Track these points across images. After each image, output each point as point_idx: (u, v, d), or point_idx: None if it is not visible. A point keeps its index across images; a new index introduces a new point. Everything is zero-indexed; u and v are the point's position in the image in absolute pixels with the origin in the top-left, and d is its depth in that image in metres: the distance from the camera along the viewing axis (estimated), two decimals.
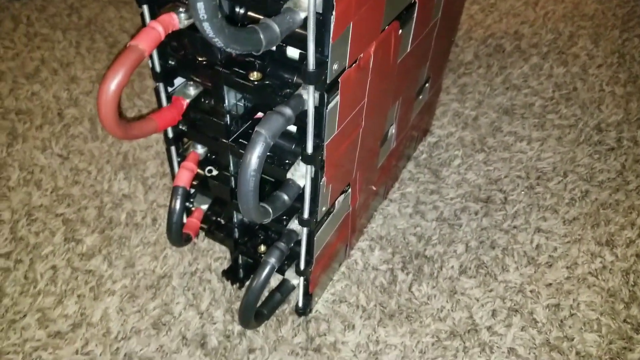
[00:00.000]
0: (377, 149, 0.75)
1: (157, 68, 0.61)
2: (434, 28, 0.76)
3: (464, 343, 0.73)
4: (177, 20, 0.54)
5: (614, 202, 0.92)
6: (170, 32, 0.53)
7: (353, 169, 0.67)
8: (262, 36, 0.42)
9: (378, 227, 0.86)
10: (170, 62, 0.62)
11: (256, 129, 0.47)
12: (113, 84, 0.49)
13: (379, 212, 0.89)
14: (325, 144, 0.55)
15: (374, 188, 0.81)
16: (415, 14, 0.64)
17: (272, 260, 0.61)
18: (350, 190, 0.70)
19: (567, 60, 1.22)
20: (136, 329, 0.72)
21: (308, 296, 0.72)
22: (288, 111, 0.49)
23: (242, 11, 0.53)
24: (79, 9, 1.29)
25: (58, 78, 1.10)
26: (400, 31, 0.61)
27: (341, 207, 0.69)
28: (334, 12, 0.44)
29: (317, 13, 0.44)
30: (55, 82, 1.09)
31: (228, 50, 0.40)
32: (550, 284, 0.80)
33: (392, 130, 0.79)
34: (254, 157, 0.47)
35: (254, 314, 0.64)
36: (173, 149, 0.70)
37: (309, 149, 0.53)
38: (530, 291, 0.79)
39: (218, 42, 0.39)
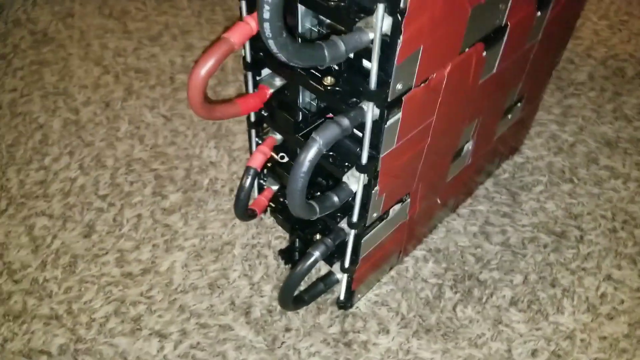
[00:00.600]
0: (447, 164, 0.75)
1: (248, 58, 0.66)
2: (531, 50, 0.73)
3: None
4: None
5: None
6: None
7: (414, 180, 0.68)
8: (326, 53, 0.45)
9: (439, 239, 0.86)
10: (260, 53, 0.67)
11: (312, 134, 0.50)
12: (203, 70, 0.55)
13: (444, 225, 0.88)
14: (381, 156, 0.56)
15: (439, 201, 0.81)
16: (505, 38, 0.63)
17: (316, 254, 0.64)
18: (409, 200, 0.71)
19: None
20: (194, 286, 0.80)
21: (350, 292, 0.75)
22: (346, 122, 0.51)
23: (320, 28, 0.56)
24: None
25: (176, 44, 1.21)
26: (485, 53, 0.61)
27: (396, 215, 0.71)
28: (401, 37, 0.45)
29: (385, 35, 0.46)
30: (173, 47, 1.20)
31: (292, 64, 0.44)
32: (605, 337, 0.76)
33: (469, 146, 0.78)
34: (306, 160, 0.50)
35: (292, 298, 0.68)
36: (253, 131, 0.76)
37: (364, 159, 0.55)
38: (581, 340, 0.75)
39: (282, 57, 0.42)
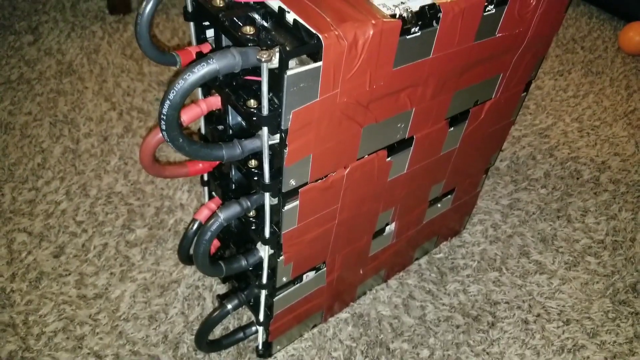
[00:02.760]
0: (366, 241, 0.84)
1: (203, 130, 0.79)
2: (451, 154, 0.82)
3: None
4: (220, 102, 0.70)
5: None
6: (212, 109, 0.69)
7: (326, 253, 0.78)
8: (224, 153, 0.56)
9: (364, 305, 0.95)
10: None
11: (216, 210, 0.61)
12: (155, 138, 0.67)
13: (372, 292, 0.97)
14: (282, 233, 0.67)
15: (362, 272, 0.90)
16: (411, 147, 0.72)
17: (229, 307, 0.75)
18: (325, 268, 0.81)
19: (639, 208, 1.17)
20: (136, 316, 0.90)
21: (268, 343, 0.85)
22: (247, 203, 0.62)
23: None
24: None
25: None
26: (389, 158, 0.71)
27: (312, 281, 0.80)
28: (286, 149, 0.56)
29: (275, 144, 0.57)
30: None
31: (193, 159, 0.55)
32: None
33: (391, 227, 0.87)
34: (208, 231, 0.61)
35: (205, 341, 0.78)
36: (205, 189, 0.88)
37: (266, 233, 0.66)
38: None
39: (184, 154, 0.54)
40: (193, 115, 0.67)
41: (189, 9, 0.63)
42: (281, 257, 0.70)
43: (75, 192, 1.09)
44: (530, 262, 1.04)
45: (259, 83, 0.59)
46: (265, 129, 0.55)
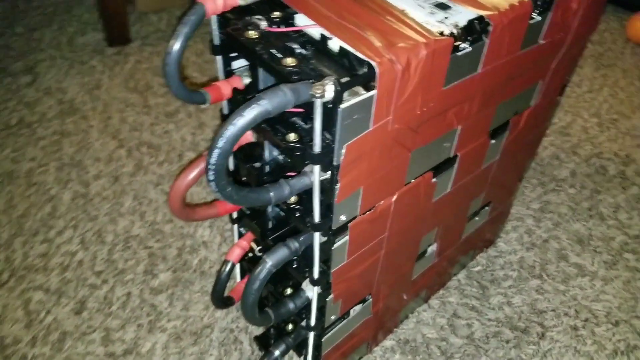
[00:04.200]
0: (409, 266, 0.80)
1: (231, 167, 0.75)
2: (491, 168, 0.79)
3: None
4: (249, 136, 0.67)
5: None
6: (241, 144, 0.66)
7: (373, 284, 0.74)
8: (271, 195, 0.52)
9: (408, 330, 0.91)
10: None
11: (264, 256, 0.57)
12: (184, 182, 0.64)
13: (414, 315, 0.93)
14: (332, 271, 0.63)
15: (405, 297, 0.86)
16: (455, 166, 0.69)
17: (276, 353, 0.70)
18: (371, 299, 0.77)
19: None
20: None
21: None
22: (295, 245, 0.58)
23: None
24: None
25: (190, 121, 1.31)
26: (434, 179, 0.67)
27: (359, 314, 0.76)
28: (338, 185, 0.53)
29: (325, 180, 0.53)
30: (187, 124, 1.30)
31: (241, 206, 0.51)
32: None
33: (433, 248, 0.83)
34: (257, 280, 0.57)
35: None
36: (235, 227, 0.83)
37: (315, 274, 0.62)
38: None
39: (230, 202, 0.50)
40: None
41: (216, 42, 0.59)
42: (330, 296, 0.66)
43: (91, 240, 1.04)
44: (570, 266, 1.01)
45: (297, 113, 0.55)
46: (317, 168, 0.51)
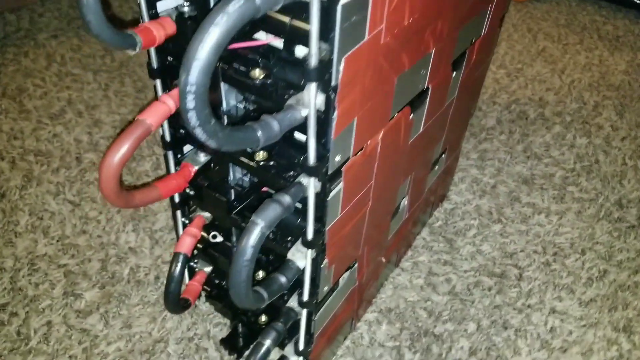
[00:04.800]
0: (387, 223, 0.73)
1: (167, 137, 0.61)
2: (450, 106, 0.74)
3: None
4: None
5: (633, 285, 0.87)
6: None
7: (360, 245, 0.65)
8: (259, 135, 0.41)
9: (387, 298, 0.83)
10: (181, 130, 0.61)
11: (252, 217, 0.45)
12: (116, 157, 0.49)
13: (390, 282, 0.86)
14: (327, 228, 0.53)
15: (384, 260, 0.78)
16: (427, 99, 0.63)
17: (268, 342, 0.58)
18: (356, 265, 0.67)
19: (590, 131, 1.19)
20: None
21: None
22: (287, 199, 0.47)
23: (246, 104, 0.53)
24: (113, 51, 1.32)
25: (82, 120, 1.11)
26: (412, 116, 0.60)
27: (346, 283, 0.67)
28: (335, 113, 0.43)
29: (318, 111, 0.43)
30: (79, 124, 1.11)
31: (224, 150, 0.39)
32: None
33: (404, 202, 0.76)
34: (248, 247, 0.45)
35: None
36: (179, 213, 0.69)
37: (310, 234, 0.51)
38: None
39: (212, 145, 0.38)
40: (161, 115, 0.51)
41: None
42: (325, 261, 0.56)
43: None
44: (524, 206, 1.00)
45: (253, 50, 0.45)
46: (313, 86, 0.40)
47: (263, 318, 0.71)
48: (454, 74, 0.69)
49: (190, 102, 0.35)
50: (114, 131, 1.09)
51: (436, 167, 0.84)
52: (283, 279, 0.54)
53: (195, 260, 0.74)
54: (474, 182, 1.05)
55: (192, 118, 0.36)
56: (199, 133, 0.36)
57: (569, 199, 1.02)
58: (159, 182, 0.61)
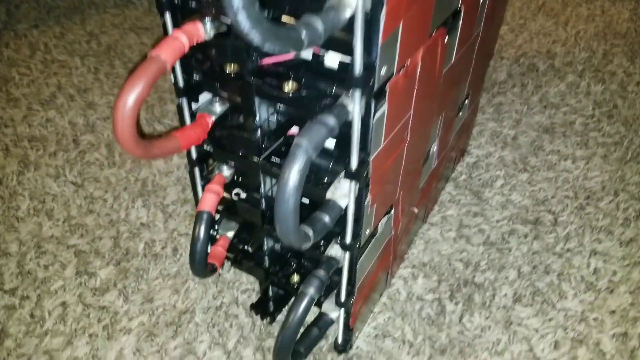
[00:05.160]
0: (419, 168, 0.68)
1: (180, 82, 0.56)
2: (476, 41, 0.70)
3: None
4: (203, 30, 0.49)
5: None
6: (194, 43, 0.48)
7: (397, 188, 0.61)
8: (303, 35, 0.36)
9: (420, 252, 0.79)
10: (194, 76, 0.56)
11: (295, 140, 0.40)
12: (131, 97, 0.44)
13: (420, 237, 0.81)
14: (371, 158, 0.48)
15: (416, 210, 0.74)
16: (460, 22, 0.59)
17: (311, 291, 0.53)
18: (393, 212, 0.63)
19: (604, 78, 1.16)
20: None
21: (349, 331, 0.64)
22: (331, 120, 0.42)
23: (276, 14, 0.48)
24: (98, 35, 1.26)
25: (74, 104, 1.06)
26: (447, 39, 0.56)
27: (384, 231, 0.62)
28: (384, 9, 0.38)
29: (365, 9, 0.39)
30: (72, 108, 1.05)
31: (265, 49, 0.34)
32: (614, 311, 0.72)
33: (434, 148, 0.72)
34: (294, 173, 0.40)
35: (291, 354, 0.56)
36: (197, 170, 0.64)
37: (354, 164, 0.47)
38: (594, 319, 0.70)
39: (254, 38, 0.33)
40: (176, 51, 0.46)
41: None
42: (368, 199, 0.51)
43: None
44: (548, 154, 0.97)
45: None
46: None
47: (295, 278, 0.66)
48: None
49: None
50: (110, 111, 1.04)
51: (460, 114, 0.80)
52: (326, 218, 0.49)
53: (216, 227, 0.69)
54: (493, 134, 1.01)
55: (239, 8, 0.31)
56: (242, 19, 0.32)
57: (592, 144, 0.99)
58: (177, 132, 0.56)
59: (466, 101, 0.81)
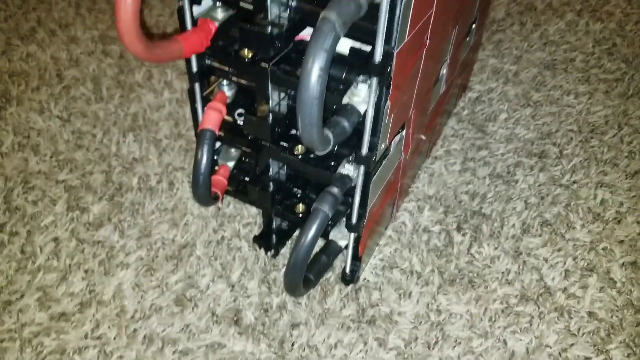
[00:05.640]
0: (431, 88, 0.65)
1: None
2: None
3: (538, 308, 0.63)
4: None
5: None
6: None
7: (411, 103, 0.58)
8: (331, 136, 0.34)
9: (425, 186, 0.77)
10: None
11: (323, 14, 0.37)
12: None
13: (424, 171, 0.79)
14: (396, 52, 0.45)
15: (424, 137, 0.71)
16: None
17: (325, 207, 0.50)
18: (404, 131, 0.60)
19: (602, 17, 1.14)
20: (156, 307, 0.61)
21: (357, 260, 0.62)
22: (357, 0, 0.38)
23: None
24: None
25: (56, 39, 0.99)
26: None
27: (395, 152, 0.59)
28: None
29: None
30: (53, 43, 0.98)
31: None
32: (623, 241, 0.71)
33: (444, 70, 0.69)
34: (321, 53, 0.36)
35: (303, 277, 0.53)
36: (197, 86, 0.60)
37: (378, 55, 0.43)
38: (603, 249, 0.70)
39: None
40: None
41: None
42: (387, 103, 0.48)
43: None
44: (550, 89, 0.94)
45: None
46: None
47: (300, 207, 0.63)
48: None
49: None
50: (94, 46, 0.98)
51: (468, 38, 0.77)
52: (345, 123, 0.46)
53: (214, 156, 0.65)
54: (494, 70, 0.98)
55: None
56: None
57: (594, 80, 0.97)
58: (179, 35, 0.52)
59: (473, 26, 0.78)
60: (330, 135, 0.44)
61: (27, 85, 0.89)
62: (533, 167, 0.80)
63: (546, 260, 0.68)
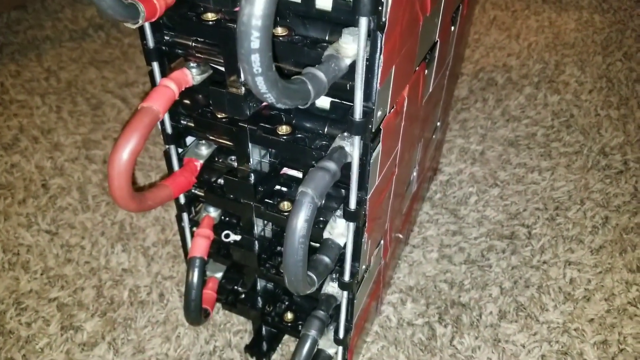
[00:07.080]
0: (403, 194, 0.70)
1: (169, 129, 0.56)
2: (448, 66, 0.73)
3: None
4: (190, 76, 0.50)
5: (635, 226, 0.89)
6: (182, 89, 0.49)
7: (386, 219, 0.62)
8: (310, 87, 0.37)
9: (405, 276, 0.81)
10: (182, 121, 0.56)
11: (300, 188, 0.41)
12: (126, 152, 0.44)
13: (403, 260, 0.83)
14: (368, 197, 0.49)
15: (401, 236, 0.76)
16: (437, 54, 0.61)
17: (313, 333, 0.54)
18: (382, 241, 0.64)
19: (558, 88, 1.22)
20: None
21: None
22: (332, 166, 0.43)
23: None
24: (57, 72, 1.23)
25: (39, 146, 1.02)
26: (426, 71, 0.58)
27: (375, 262, 0.64)
28: (382, 56, 0.40)
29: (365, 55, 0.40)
30: (37, 150, 1.01)
31: (278, 105, 0.35)
32: (593, 320, 0.75)
33: (414, 173, 0.74)
34: (301, 222, 0.41)
35: None
36: (185, 215, 0.64)
37: (352, 204, 0.48)
38: (575, 330, 0.74)
39: (269, 97, 0.34)
40: (167, 100, 0.47)
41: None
42: (365, 235, 0.52)
43: None
44: (515, 167, 1.01)
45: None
46: (363, 22, 0.37)
47: (289, 316, 0.67)
48: (452, 28, 0.67)
49: (255, 42, 0.30)
50: (78, 152, 1.01)
51: (434, 136, 0.83)
52: (327, 260, 0.50)
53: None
54: (462, 151, 1.04)
55: (256, 62, 0.31)
56: (260, 82, 0.32)
57: (555, 154, 1.04)
58: (166, 180, 0.56)
59: (438, 123, 0.84)
60: (314, 277, 0.47)
61: (13, 198, 0.92)
62: (505, 250, 0.85)
63: (524, 346, 0.72)
